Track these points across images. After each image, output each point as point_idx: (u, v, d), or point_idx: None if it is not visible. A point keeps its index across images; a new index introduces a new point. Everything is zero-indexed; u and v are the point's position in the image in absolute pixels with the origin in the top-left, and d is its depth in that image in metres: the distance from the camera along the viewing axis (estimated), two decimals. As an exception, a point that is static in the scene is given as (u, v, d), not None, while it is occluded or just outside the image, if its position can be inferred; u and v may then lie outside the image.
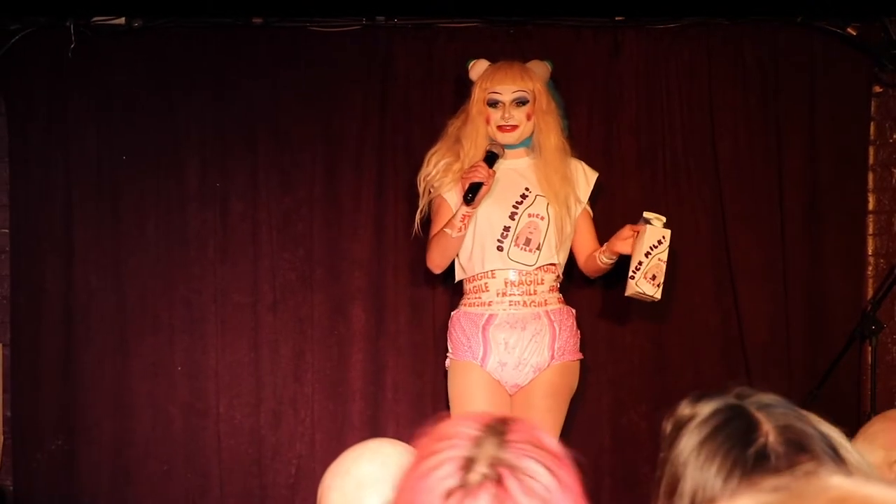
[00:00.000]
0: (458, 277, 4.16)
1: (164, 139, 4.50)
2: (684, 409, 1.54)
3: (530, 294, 4.05)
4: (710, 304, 4.62)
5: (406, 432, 4.62)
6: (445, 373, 4.18)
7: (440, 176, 4.09)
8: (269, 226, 4.53)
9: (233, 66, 4.51)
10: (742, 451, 1.45)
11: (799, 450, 1.44)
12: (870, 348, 4.35)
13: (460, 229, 4.00)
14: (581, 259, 4.19)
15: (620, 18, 4.60)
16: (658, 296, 3.91)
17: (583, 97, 4.60)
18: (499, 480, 1.37)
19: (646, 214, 3.95)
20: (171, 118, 4.50)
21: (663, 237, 3.89)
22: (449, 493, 1.38)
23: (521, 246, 4.05)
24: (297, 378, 4.51)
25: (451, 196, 4.09)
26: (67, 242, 4.47)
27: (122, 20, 4.45)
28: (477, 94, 4.08)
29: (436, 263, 4.11)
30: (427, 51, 4.56)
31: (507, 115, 4.04)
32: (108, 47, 4.47)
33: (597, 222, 4.42)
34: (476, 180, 3.92)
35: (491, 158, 4.00)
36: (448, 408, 4.20)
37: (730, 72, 4.63)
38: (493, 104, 4.06)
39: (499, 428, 1.42)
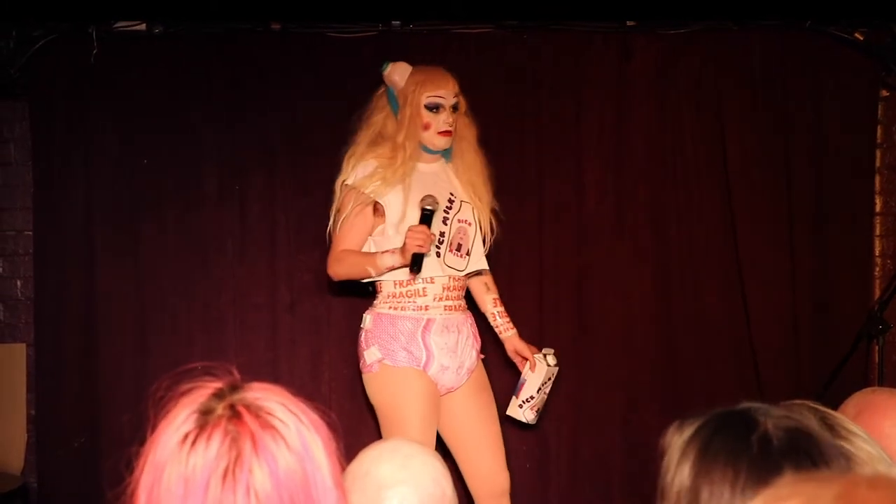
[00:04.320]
0: (383, 280, 3.93)
1: (183, 142, 4.55)
2: (671, 435, 1.53)
3: (458, 298, 3.98)
4: (720, 306, 4.66)
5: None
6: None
7: (369, 181, 3.87)
8: (286, 228, 4.57)
9: (251, 71, 4.56)
10: (745, 441, 1.42)
11: (799, 433, 1.43)
12: (877, 348, 4.38)
13: (382, 274, 3.86)
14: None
15: (631, 23, 4.65)
16: (535, 422, 4.12)
17: (594, 101, 4.64)
18: (236, 417, 1.33)
19: (544, 351, 4.06)
20: (191, 122, 4.55)
21: (552, 375, 4.05)
22: (184, 438, 1.33)
23: (454, 252, 3.95)
24: (314, 378, 4.56)
25: (391, 200, 3.88)
26: (89, 244, 4.52)
27: (143, 26, 4.49)
28: (414, 98, 3.90)
29: (339, 277, 3.94)
30: (441, 55, 4.60)
31: (450, 120, 3.92)
32: (129, 53, 4.51)
33: (607, 225, 4.47)
34: (421, 252, 3.76)
35: (428, 218, 3.80)
36: (373, 415, 4.06)
37: (738, 76, 4.66)
38: (435, 108, 3.91)
39: (237, 384, 1.39)
